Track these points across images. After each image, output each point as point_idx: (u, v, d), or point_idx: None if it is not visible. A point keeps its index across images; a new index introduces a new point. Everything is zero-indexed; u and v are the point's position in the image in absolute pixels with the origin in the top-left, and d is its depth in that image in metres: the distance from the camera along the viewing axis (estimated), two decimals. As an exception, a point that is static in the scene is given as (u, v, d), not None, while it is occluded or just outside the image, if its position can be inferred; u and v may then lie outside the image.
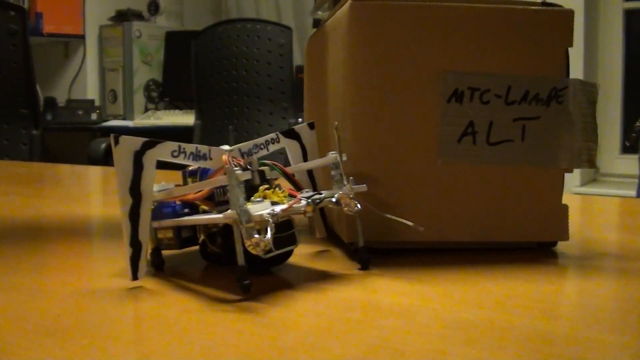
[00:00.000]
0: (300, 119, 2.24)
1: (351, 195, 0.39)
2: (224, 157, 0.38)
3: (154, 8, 2.94)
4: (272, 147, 0.43)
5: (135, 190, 0.37)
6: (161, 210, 0.40)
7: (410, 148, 0.45)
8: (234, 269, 0.36)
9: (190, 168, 0.41)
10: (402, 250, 0.45)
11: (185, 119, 2.57)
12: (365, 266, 0.41)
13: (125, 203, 0.36)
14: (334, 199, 0.39)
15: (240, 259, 0.34)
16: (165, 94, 2.90)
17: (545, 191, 0.48)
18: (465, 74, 0.45)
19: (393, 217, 0.44)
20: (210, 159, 0.39)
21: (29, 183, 0.94)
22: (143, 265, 0.37)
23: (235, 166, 0.37)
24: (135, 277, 0.36)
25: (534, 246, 0.48)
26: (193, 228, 0.41)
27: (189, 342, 0.28)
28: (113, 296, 0.35)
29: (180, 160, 0.38)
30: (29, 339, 0.29)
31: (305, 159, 0.45)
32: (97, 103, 2.82)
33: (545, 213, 0.47)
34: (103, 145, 2.13)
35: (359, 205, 0.40)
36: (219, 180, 0.37)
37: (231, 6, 3.03)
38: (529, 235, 0.48)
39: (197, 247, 0.42)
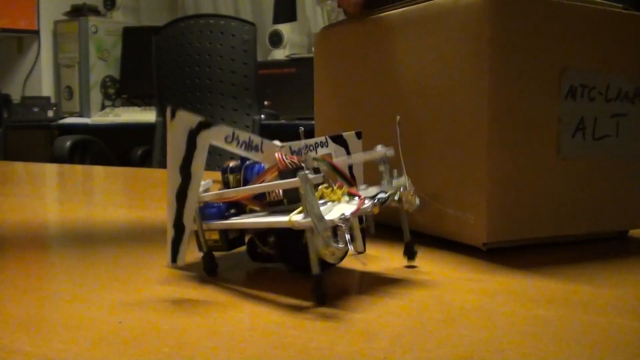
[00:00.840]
0: (263, 115, 2.23)
1: (412, 192, 0.38)
2: (277, 154, 0.35)
3: (110, 3, 2.86)
4: (321, 151, 0.41)
5: (185, 169, 0.34)
6: (204, 210, 0.37)
7: (532, 143, 0.45)
8: (287, 269, 0.35)
9: (231, 165, 0.39)
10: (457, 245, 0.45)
11: (145, 116, 2.51)
12: (412, 258, 0.40)
13: (173, 182, 0.33)
14: (396, 197, 0.37)
15: (315, 268, 0.31)
16: (123, 90, 2.82)
17: (628, 182, 0.49)
18: (580, 71, 0.45)
19: (454, 212, 0.44)
20: (262, 151, 0.36)
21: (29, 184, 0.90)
22: (184, 250, 0.34)
23: (290, 164, 0.35)
24: (174, 261, 0.33)
25: (615, 235, 0.50)
26: (239, 229, 0.38)
27: (281, 354, 0.26)
28: (173, 304, 0.32)
29: (232, 147, 0.35)
30: (101, 349, 0.27)
31: (350, 167, 0.43)
32: (52, 100, 2.73)
33: (629, 202, 0.49)
34: (68, 143, 2.06)
35: (418, 201, 0.38)
36: (292, 182, 0.33)
37: (188, 2, 2.98)
38: (617, 225, 0.49)
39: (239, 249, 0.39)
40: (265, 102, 2.56)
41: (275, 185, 0.34)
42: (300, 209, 0.32)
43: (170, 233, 0.33)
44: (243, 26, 2.29)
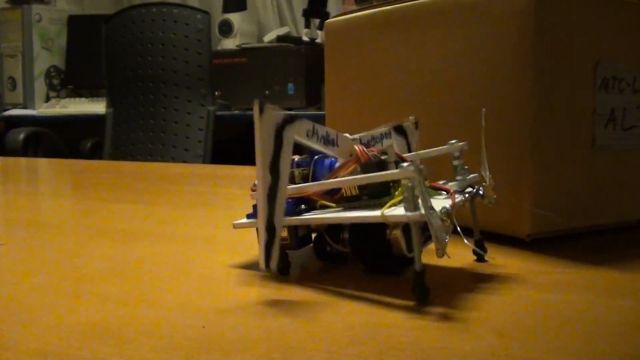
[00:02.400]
0: (213, 107, 2.20)
1: (492, 186, 0.38)
2: (357, 147, 0.35)
3: (54, -10, 2.77)
4: (386, 142, 0.41)
5: (274, 168, 0.32)
6: None
7: (571, 134, 0.45)
8: (362, 268, 0.35)
9: (297, 159, 0.38)
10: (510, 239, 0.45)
11: (94, 107, 2.44)
12: (481, 258, 0.39)
13: (264, 182, 0.32)
14: (481, 191, 0.37)
15: (419, 265, 0.31)
16: (68, 81, 2.73)
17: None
18: (611, 63, 0.46)
19: (539, 211, 0.44)
20: (337, 145, 0.35)
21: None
22: (276, 253, 0.32)
23: (373, 157, 0.34)
24: (268, 265, 0.32)
25: (636, 225, 0.51)
26: (307, 226, 0.38)
27: (397, 354, 0.26)
28: (260, 306, 0.31)
29: (312, 142, 0.34)
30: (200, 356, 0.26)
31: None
32: (-6, 91, 2.63)
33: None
34: (22, 136, 1.98)
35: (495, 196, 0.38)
36: (405, 172, 0.31)
37: (134, -10, 2.90)
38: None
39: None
40: (216, 93, 2.53)
41: (381, 177, 0.33)
42: (391, 202, 0.32)
43: (263, 236, 0.32)
44: (197, 15, 2.26)
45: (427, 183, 0.34)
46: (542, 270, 0.38)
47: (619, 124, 0.48)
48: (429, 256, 0.36)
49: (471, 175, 0.38)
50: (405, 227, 0.32)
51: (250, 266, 0.39)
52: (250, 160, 1.32)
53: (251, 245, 0.44)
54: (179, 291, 0.35)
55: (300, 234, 0.37)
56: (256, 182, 0.32)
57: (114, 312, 0.31)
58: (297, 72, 2.64)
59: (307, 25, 2.60)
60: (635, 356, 0.26)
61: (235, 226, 0.38)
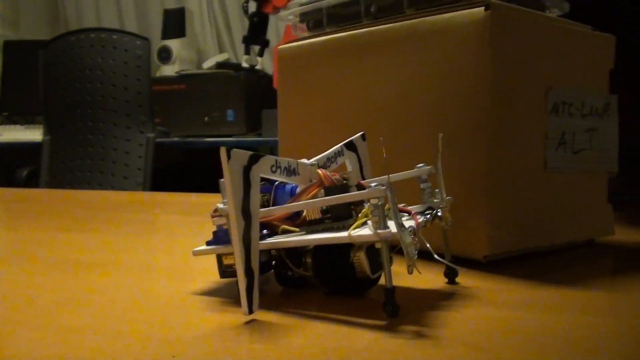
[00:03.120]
0: (153, 134, 2.17)
1: (448, 209, 0.39)
2: (320, 172, 0.35)
3: (-14, 15, 2.69)
4: (340, 159, 0.42)
5: (246, 211, 0.32)
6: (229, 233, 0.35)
7: (525, 157, 0.46)
8: (320, 291, 0.35)
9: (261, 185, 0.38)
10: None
11: (30, 134, 2.37)
12: (452, 280, 0.40)
13: (238, 226, 0.31)
14: (439, 213, 0.37)
15: (389, 281, 0.31)
16: (4, 107, 2.65)
17: (595, 193, 0.52)
18: (561, 88, 0.47)
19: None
20: (298, 174, 0.36)
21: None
22: (257, 295, 0.32)
23: (336, 181, 0.35)
24: (250, 310, 0.32)
25: (582, 244, 0.52)
26: (267, 252, 0.37)
27: None
28: (231, 332, 0.30)
29: (276, 176, 0.34)
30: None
31: (361, 171, 0.43)
32: None
33: (597, 212, 0.52)
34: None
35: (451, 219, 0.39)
36: (375, 192, 0.31)
37: (70, 15, 2.86)
38: (588, 233, 0.52)
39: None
40: (156, 120, 2.50)
41: (353, 196, 0.33)
42: (355, 224, 0.32)
43: (243, 281, 0.32)
44: (136, 41, 2.23)
45: (387, 206, 0.34)
46: (500, 289, 0.39)
47: (569, 147, 0.49)
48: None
49: (437, 199, 0.38)
50: (369, 249, 0.32)
51: (209, 292, 0.38)
52: (190, 187, 1.30)
53: (206, 272, 0.43)
54: (141, 321, 0.34)
55: (262, 260, 0.36)
56: (230, 226, 0.32)
57: (79, 344, 0.30)
58: (237, 98, 2.64)
59: (247, 52, 2.61)
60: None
61: (195, 253, 0.38)
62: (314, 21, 0.62)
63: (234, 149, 0.31)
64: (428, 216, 0.35)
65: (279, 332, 0.31)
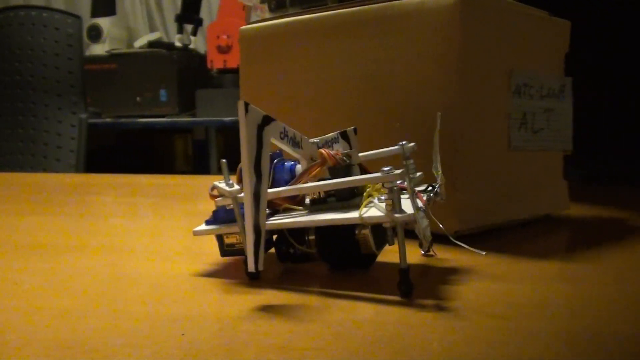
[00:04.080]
0: (85, 115, 2.12)
1: (444, 184, 0.39)
2: (324, 152, 0.35)
3: None
4: (336, 146, 0.42)
5: (258, 168, 0.32)
6: (232, 212, 0.36)
7: (491, 137, 0.48)
8: (322, 267, 0.36)
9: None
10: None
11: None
12: (427, 251, 0.41)
13: (250, 182, 0.32)
14: (438, 190, 0.38)
15: (404, 262, 0.32)
16: None
17: (552, 170, 0.54)
18: (523, 71, 0.49)
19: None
20: (302, 148, 0.36)
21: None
22: (262, 253, 0.32)
23: (340, 160, 0.36)
24: (257, 266, 0.32)
25: (540, 219, 0.55)
26: (270, 230, 0.37)
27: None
28: (226, 313, 0.31)
29: (282, 144, 0.35)
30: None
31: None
32: None
33: (553, 188, 0.54)
34: None
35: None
36: (392, 176, 0.33)
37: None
38: (546, 208, 0.54)
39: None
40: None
41: (370, 179, 0.33)
42: (364, 204, 0.32)
43: (251, 237, 0.32)
44: (67, 19, 2.16)
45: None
46: (485, 263, 0.40)
47: (530, 127, 0.51)
48: (383, 256, 0.37)
49: (418, 174, 0.39)
50: (374, 226, 0.33)
51: (199, 273, 0.39)
52: (124, 169, 1.28)
53: (185, 252, 0.43)
54: (138, 302, 0.34)
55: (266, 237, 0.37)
56: (242, 182, 0.32)
57: (82, 327, 0.30)
58: (170, 78, 2.60)
59: (180, 31, 2.56)
60: (594, 331, 0.28)
61: (196, 233, 0.38)
62: (276, 2, 0.62)
63: (252, 105, 0.32)
64: (431, 194, 0.36)
65: (286, 309, 0.32)
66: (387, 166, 0.32)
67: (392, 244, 0.32)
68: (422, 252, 0.40)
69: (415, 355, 0.26)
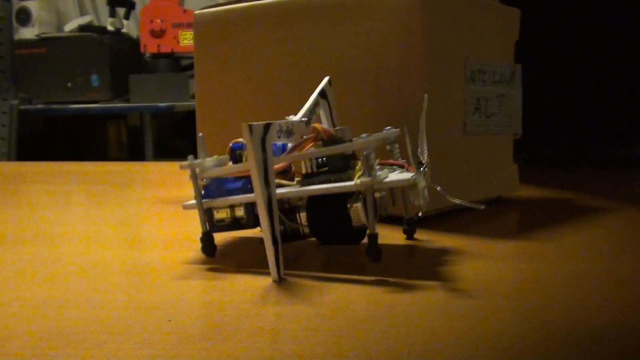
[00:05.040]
0: (16, 101, 2.05)
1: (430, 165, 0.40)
2: (318, 126, 0.36)
3: None
4: (317, 110, 0.43)
5: (267, 181, 0.33)
6: (223, 186, 0.36)
7: (449, 121, 0.49)
8: (319, 243, 0.37)
9: (234, 142, 0.38)
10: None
11: None
12: (410, 236, 0.43)
13: (263, 198, 0.32)
14: (426, 169, 0.39)
15: (373, 228, 0.33)
16: None
17: (503, 154, 0.56)
18: (477, 58, 0.50)
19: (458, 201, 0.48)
20: (294, 133, 0.37)
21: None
22: (282, 261, 0.33)
23: (333, 133, 0.37)
24: (280, 275, 0.33)
25: (492, 200, 0.56)
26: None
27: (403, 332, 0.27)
28: (207, 298, 0.31)
29: (281, 140, 0.35)
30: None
31: (331, 116, 0.44)
32: None
33: (505, 171, 0.56)
34: None
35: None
36: (387, 134, 0.36)
37: None
38: (499, 190, 0.56)
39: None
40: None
41: (365, 142, 0.34)
42: (357, 174, 0.33)
43: (272, 249, 0.32)
44: (-6, 2, 2.08)
45: (377, 160, 0.36)
46: (461, 244, 0.42)
47: (483, 112, 0.53)
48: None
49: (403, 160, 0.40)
50: (365, 200, 0.34)
51: (182, 260, 0.38)
52: (55, 156, 1.25)
53: (159, 239, 0.43)
54: (117, 290, 0.33)
55: (256, 212, 0.37)
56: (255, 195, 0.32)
57: (64, 318, 0.29)
58: (102, 63, 2.53)
59: (112, 15, 2.50)
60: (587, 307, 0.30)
61: (186, 207, 0.38)
62: (231, -13, 0.61)
63: (254, 124, 0.32)
64: (423, 170, 0.37)
65: (273, 292, 0.32)
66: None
67: (384, 215, 0.33)
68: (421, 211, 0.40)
69: (402, 331, 0.27)
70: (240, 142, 0.37)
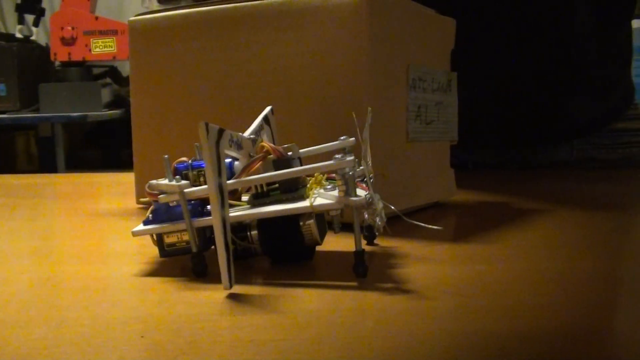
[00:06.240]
0: None
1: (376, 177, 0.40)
2: (268, 145, 0.36)
3: None
4: (262, 134, 0.43)
5: (220, 185, 0.32)
6: (173, 210, 0.35)
7: (393, 129, 0.50)
8: (265, 262, 0.37)
9: (190, 160, 0.37)
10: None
11: None
12: (371, 241, 0.43)
13: (217, 202, 0.31)
14: (372, 181, 0.40)
15: (359, 245, 0.33)
16: None
17: (441, 159, 0.58)
18: (417, 66, 0.51)
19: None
20: (242, 147, 0.36)
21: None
22: (233, 269, 0.32)
23: (283, 153, 0.37)
24: (231, 284, 0.32)
25: (431, 205, 0.58)
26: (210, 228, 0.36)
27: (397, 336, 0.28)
28: (179, 312, 0.30)
29: (231, 151, 0.34)
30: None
31: (274, 143, 0.44)
32: None
33: (443, 177, 0.58)
34: None
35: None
36: (336, 165, 0.33)
37: None
38: (438, 195, 0.57)
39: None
40: None
41: (324, 167, 0.33)
42: (311, 194, 0.33)
43: (224, 256, 0.31)
44: None
45: (324, 175, 0.36)
46: (413, 247, 0.42)
47: (424, 119, 0.54)
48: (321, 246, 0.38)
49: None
50: (317, 217, 0.34)
51: (144, 273, 0.37)
52: None
53: (114, 253, 0.42)
54: (81, 307, 0.32)
55: (207, 235, 0.36)
56: (209, 206, 0.31)
57: (27, 338, 0.27)
58: (10, 71, 2.44)
59: (21, 22, 2.41)
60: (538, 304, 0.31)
61: (136, 234, 0.36)
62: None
63: (211, 124, 0.31)
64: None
65: (240, 303, 0.31)
66: (338, 154, 0.33)
67: (338, 232, 0.33)
68: (379, 232, 0.40)
69: (377, 336, 0.27)
70: (185, 161, 0.36)
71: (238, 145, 0.34)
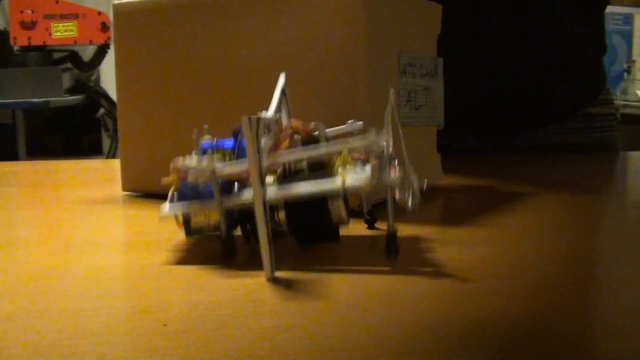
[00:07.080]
0: None
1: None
2: (296, 123, 0.36)
3: None
4: (280, 113, 0.42)
5: (262, 177, 0.32)
6: (197, 189, 0.34)
7: (381, 114, 0.50)
8: (298, 243, 0.37)
9: (217, 139, 0.37)
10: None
11: None
12: (372, 226, 0.43)
13: (259, 194, 0.31)
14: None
15: (392, 225, 0.35)
16: None
17: (429, 144, 0.58)
18: (407, 52, 0.51)
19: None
20: (271, 130, 0.36)
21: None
22: (274, 259, 0.32)
23: (310, 132, 0.36)
24: (273, 274, 0.32)
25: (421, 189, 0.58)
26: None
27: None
28: (198, 299, 0.30)
29: (264, 137, 0.34)
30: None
31: (289, 114, 0.44)
32: None
33: (431, 161, 0.58)
34: None
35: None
36: (363, 142, 0.34)
37: None
38: (426, 180, 0.57)
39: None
40: None
41: (356, 144, 0.33)
42: (342, 173, 0.33)
43: (267, 246, 0.31)
44: None
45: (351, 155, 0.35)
46: (419, 232, 0.42)
47: (413, 104, 0.54)
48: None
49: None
50: (345, 197, 0.34)
51: (158, 262, 0.36)
52: None
53: (122, 241, 0.41)
54: (98, 297, 0.31)
55: (234, 217, 0.36)
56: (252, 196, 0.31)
57: (45, 329, 0.27)
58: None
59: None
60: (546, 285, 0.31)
61: (164, 214, 0.35)
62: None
63: (254, 117, 0.30)
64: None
65: (268, 290, 0.31)
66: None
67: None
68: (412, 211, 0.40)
69: (412, 320, 0.27)
70: (209, 139, 0.36)
71: (268, 128, 0.34)
